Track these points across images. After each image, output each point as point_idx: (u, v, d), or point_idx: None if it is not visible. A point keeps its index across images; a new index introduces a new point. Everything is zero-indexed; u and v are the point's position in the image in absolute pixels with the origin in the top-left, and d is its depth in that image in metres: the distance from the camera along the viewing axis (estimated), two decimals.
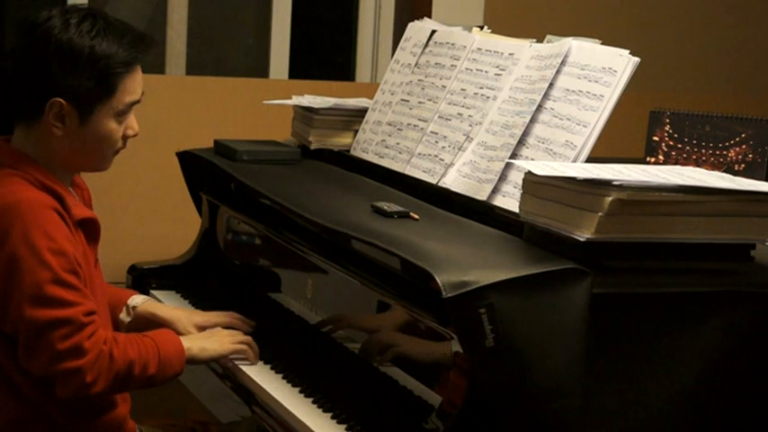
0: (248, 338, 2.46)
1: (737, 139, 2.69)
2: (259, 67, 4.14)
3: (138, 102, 2.28)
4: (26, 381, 2.21)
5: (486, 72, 2.58)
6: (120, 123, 2.26)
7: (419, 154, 2.63)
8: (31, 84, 2.21)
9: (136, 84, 2.27)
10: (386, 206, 2.32)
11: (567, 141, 2.28)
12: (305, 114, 3.02)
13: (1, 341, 2.19)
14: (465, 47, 2.68)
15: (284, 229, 2.62)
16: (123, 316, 2.54)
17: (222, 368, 2.50)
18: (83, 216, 2.27)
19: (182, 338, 2.35)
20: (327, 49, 4.39)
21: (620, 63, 2.28)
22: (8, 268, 2.14)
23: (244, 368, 2.42)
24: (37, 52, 2.20)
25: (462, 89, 2.62)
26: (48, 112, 2.21)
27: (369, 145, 2.84)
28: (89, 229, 2.30)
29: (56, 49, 2.18)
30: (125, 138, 2.30)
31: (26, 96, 2.23)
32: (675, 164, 2.77)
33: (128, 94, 2.25)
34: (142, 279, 3.00)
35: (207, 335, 2.48)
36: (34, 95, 2.21)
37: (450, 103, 2.63)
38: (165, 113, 3.66)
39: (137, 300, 2.57)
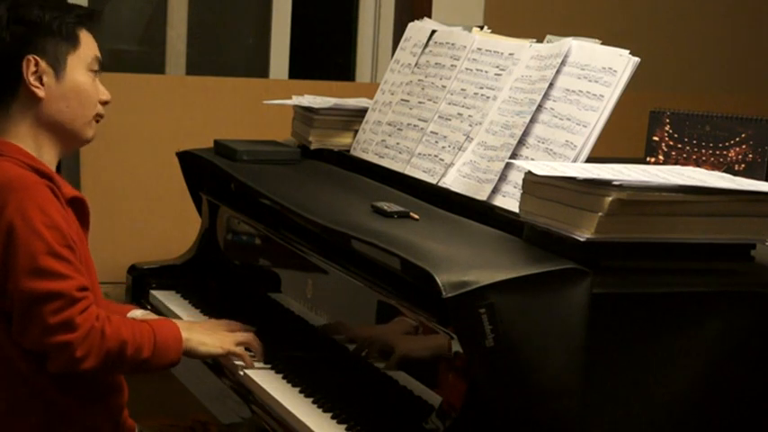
0: (250, 338, 2.45)
1: (737, 139, 2.69)
2: (259, 67, 4.14)
3: (99, 59, 2.38)
4: (29, 365, 2.22)
5: (486, 72, 2.58)
6: (93, 80, 2.36)
7: (419, 154, 2.63)
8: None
9: (93, 42, 2.38)
10: (386, 206, 2.32)
11: (567, 141, 2.28)
12: (305, 114, 3.02)
13: (4, 325, 2.21)
14: (465, 47, 2.68)
15: (284, 229, 2.62)
16: None
17: (222, 368, 2.50)
18: (73, 194, 2.31)
19: (182, 329, 2.35)
20: (327, 49, 4.39)
21: (620, 63, 2.28)
22: (5, 243, 2.17)
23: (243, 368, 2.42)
24: None
25: (462, 89, 2.62)
26: (26, 74, 2.29)
27: (369, 145, 2.84)
28: (79, 209, 2.33)
29: (11, 17, 2.30)
30: (102, 103, 2.38)
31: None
32: (675, 164, 2.77)
33: (90, 49, 2.36)
34: (142, 279, 3.00)
35: (211, 330, 2.47)
36: (7, 66, 2.29)
37: (450, 103, 2.63)
38: (165, 113, 3.66)
39: (136, 313, 2.57)
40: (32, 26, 2.30)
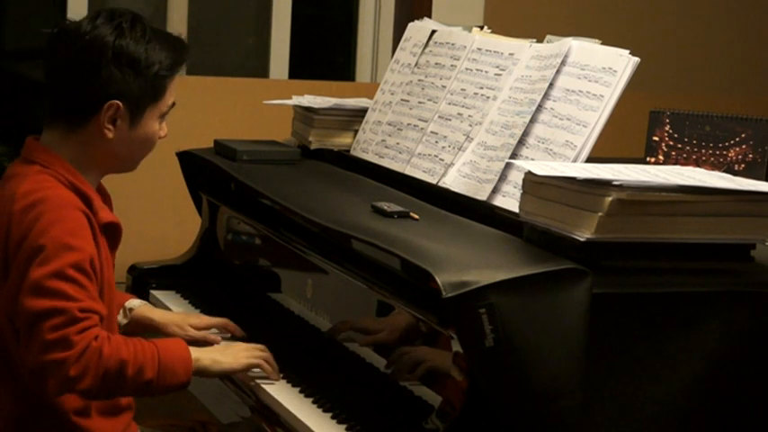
0: (265, 353, 2.38)
1: (737, 139, 2.69)
2: (259, 67, 4.14)
3: (174, 102, 2.34)
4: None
5: (486, 72, 2.58)
6: (160, 126, 2.33)
7: (419, 154, 2.64)
8: (86, 89, 2.24)
9: (176, 86, 2.34)
10: (386, 206, 2.32)
11: (567, 141, 2.28)
12: (305, 114, 3.02)
13: (14, 338, 2.19)
14: (465, 47, 2.68)
15: (284, 229, 2.62)
16: (120, 318, 2.54)
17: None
18: (108, 220, 2.28)
19: (192, 349, 2.27)
20: (327, 49, 4.39)
21: (620, 63, 2.28)
22: (27, 261, 2.14)
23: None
24: (93, 58, 2.22)
25: (462, 89, 2.62)
26: (104, 114, 2.24)
27: (369, 145, 2.84)
28: (112, 233, 2.30)
29: (115, 54, 2.23)
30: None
31: (79, 101, 2.25)
32: (675, 164, 2.77)
33: (171, 97, 2.33)
34: (142, 279, 3.00)
35: (222, 348, 2.40)
36: (90, 99, 2.24)
37: (450, 103, 2.63)
38: None
39: (134, 303, 2.57)
40: (129, 71, 2.23)
